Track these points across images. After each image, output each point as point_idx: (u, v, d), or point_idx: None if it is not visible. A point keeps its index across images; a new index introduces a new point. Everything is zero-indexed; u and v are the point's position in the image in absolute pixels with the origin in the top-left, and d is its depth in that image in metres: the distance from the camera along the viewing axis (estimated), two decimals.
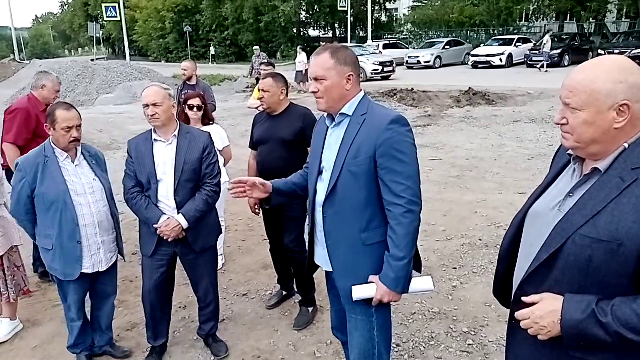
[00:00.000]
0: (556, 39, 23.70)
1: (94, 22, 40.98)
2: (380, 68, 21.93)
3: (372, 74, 21.56)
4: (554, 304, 1.40)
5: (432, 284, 2.16)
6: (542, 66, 21.99)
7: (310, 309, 3.72)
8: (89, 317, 3.28)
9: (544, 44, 22.25)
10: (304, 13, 42.96)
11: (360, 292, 2.09)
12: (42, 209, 2.91)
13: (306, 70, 18.29)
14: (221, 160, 4.34)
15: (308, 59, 17.21)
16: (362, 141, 2.05)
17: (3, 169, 3.72)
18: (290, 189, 2.41)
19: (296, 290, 3.89)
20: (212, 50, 42.17)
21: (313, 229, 2.30)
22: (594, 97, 1.35)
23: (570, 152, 1.52)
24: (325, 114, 2.24)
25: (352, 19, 35.83)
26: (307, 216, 2.38)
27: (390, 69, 22.49)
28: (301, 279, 3.61)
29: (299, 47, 21.23)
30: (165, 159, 2.96)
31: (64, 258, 2.94)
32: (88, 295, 3.21)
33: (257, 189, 2.29)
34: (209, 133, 3.16)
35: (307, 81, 18.01)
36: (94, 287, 3.21)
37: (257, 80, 15.88)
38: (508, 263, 1.69)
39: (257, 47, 17.93)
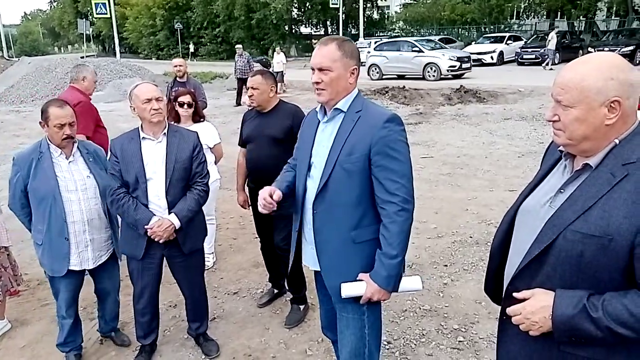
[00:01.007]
0: (546, 37, 23.76)
1: (84, 19, 40.68)
2: (458, 64, 18.78)
3: (447, 71, 18.58)
4: (545, 299, 1.40)
5: (420, 283, 2.14)
6: (547, 63, 21.28)
7: (302, 307, 3.71)
8: (80, 317, 3.26)
9: (549, 41, 21.52)
10: (295, 10, 42.88)
11: (349, 289, 2.07)
12: (34, 203, 2.93)
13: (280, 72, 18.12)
14: (212, 158, 4.33)
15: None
16: (356, 139, 2.04)
17: None
18: (290, 190, 2.34)
19: (287, 288, 3.88)
20: (192, 48, 41.88)
21: (301, 227, 2.28)
22: (585, 94, 1.36)
23: (561, 148, 1.52)
24: (318, 107, 2.21)
25: (343, 16, 35.81)
26: (294, 214, 2.34)
27: (468, 65, 19.23)
28: (292, 277, 3.60)
29: (277, 47, 20.50)
30: (155, 157, 2.89)
31: (52, 253, 2.94)
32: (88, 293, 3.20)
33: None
34: (197, 132, 3.12)
35: (282, 81, 17.93)
36: (95, 284, 3.25)
37: (238, 80, 15.38)
38: (499, 260, 1.69)
39: (240, 46, 16.52)
